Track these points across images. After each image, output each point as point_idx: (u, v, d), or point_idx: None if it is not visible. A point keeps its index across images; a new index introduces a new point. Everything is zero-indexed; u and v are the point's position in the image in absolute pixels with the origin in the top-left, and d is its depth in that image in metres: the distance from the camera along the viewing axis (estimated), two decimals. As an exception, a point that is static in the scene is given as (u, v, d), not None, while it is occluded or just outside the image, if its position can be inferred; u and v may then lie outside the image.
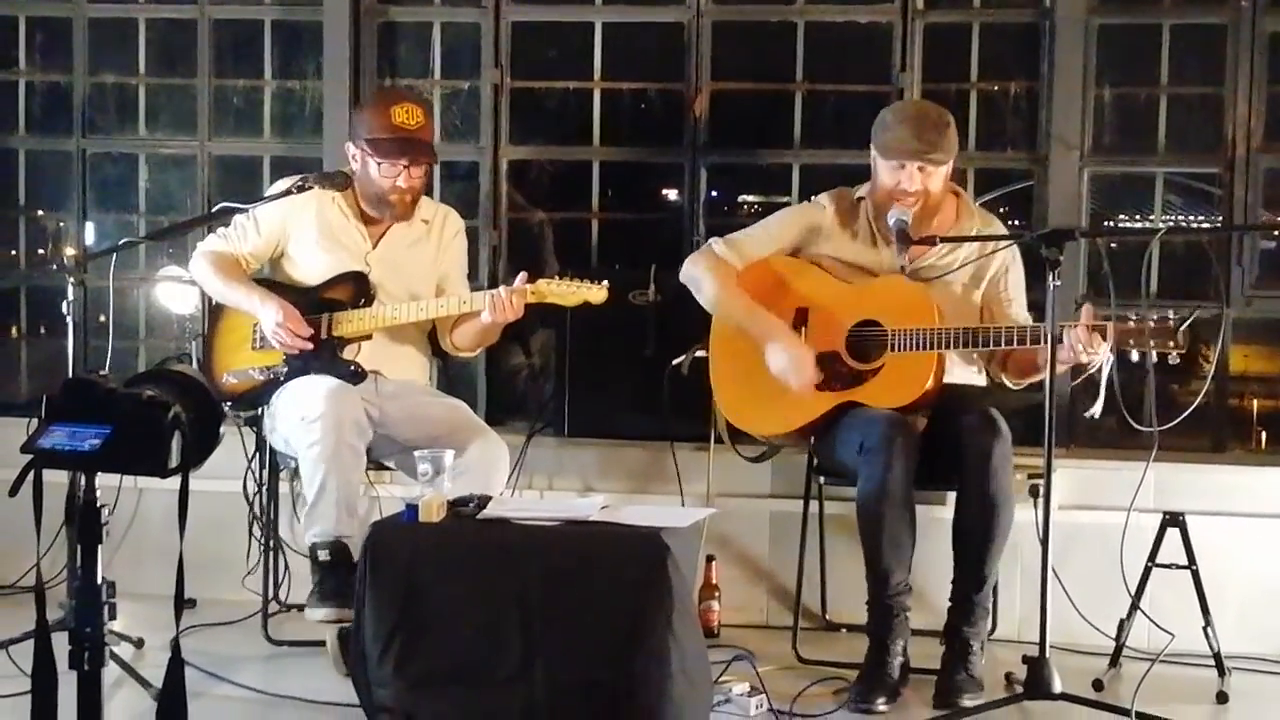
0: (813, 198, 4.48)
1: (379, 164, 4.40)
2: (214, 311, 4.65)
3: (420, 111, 4.42)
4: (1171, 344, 3.73)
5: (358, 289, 4.44)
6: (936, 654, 4.16)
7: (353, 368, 4.37)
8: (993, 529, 4.05)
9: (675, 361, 4.71)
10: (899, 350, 4.09)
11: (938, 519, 4.55)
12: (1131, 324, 3.78)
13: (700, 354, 4.57)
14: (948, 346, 4.06)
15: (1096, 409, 3.87)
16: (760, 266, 4.37)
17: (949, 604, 4.21)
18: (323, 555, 4.19)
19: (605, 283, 4.23)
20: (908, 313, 4.11)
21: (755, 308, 4.28)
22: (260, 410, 4.48)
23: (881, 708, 3.93)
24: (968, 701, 3.97)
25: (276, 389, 4.40)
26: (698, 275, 4.38)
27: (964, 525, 4.11)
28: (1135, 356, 3.79)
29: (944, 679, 4.10)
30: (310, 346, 4.37)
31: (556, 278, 4.25)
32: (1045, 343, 3.77)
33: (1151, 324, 3.75)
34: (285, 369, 4.41)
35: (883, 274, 4.27)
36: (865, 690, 3.96)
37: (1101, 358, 3.82)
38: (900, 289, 4.20)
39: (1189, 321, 3.72)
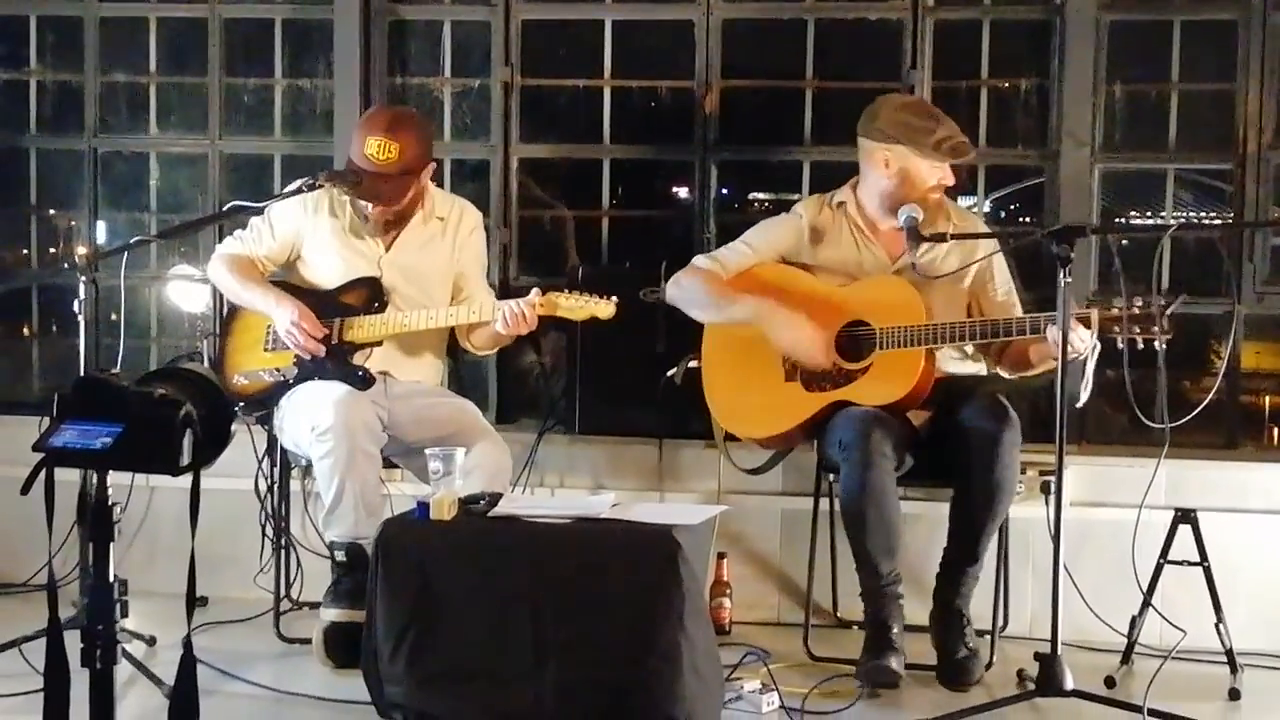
0: (793, 207, 4.54)
1: None
2: (229, 313, 4.65)
3: (395, 147, 4.31)
4: (1155, 329, 3.75)
5: (370, 294, 4.44)
6: (931, 649, 4.23)
7: (361, 373, 4.35)
8: (994, 511, 4.11)
9: (669, 373, 4.73)
10: (887, 348, 4.13)
11: (944, 515, 4.55)
12: (1114, 311, 3.80)
13: (693, 364, 4.61)
14: (935, 342, 4.10)
15: (1083, 396, 3.88)
16: (747, 276, 4.42)
17: (939, 577, 4.26)
18: (339, 556, 4.22)
19: (614, 298, 4.23)
20: (895, 311, 4.15)
21: (742, 296, 4.33)
22: (270, 410, 4.48)
23: (893, 665, 3.96)
24: (976, 677, 4.12)
25: (285, 391, 4.40)
26: (684, 287, 4.44)
27: (964, 506, 4.15)
28: (1121, 344, 3.80)
29: (947, 657, 4.17)
30: (323, 349, 4.37)
31: (566, 291, 4.25)
32: (1035, 332, 3.86)
33: (1136, 310, 3.77)
34: (295, 371, 4.41)
35: (868, 275, 4.32)
36: (875, 653, 4.00)
37: (1086, 347, 3.84)
38: (887, 288, 4.25)
39: (1173, 307, 3.73)
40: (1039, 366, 4.19)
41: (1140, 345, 3.77)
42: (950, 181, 4.29)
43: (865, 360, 4.19)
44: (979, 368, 4.41)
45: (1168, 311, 3.73)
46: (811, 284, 4.36)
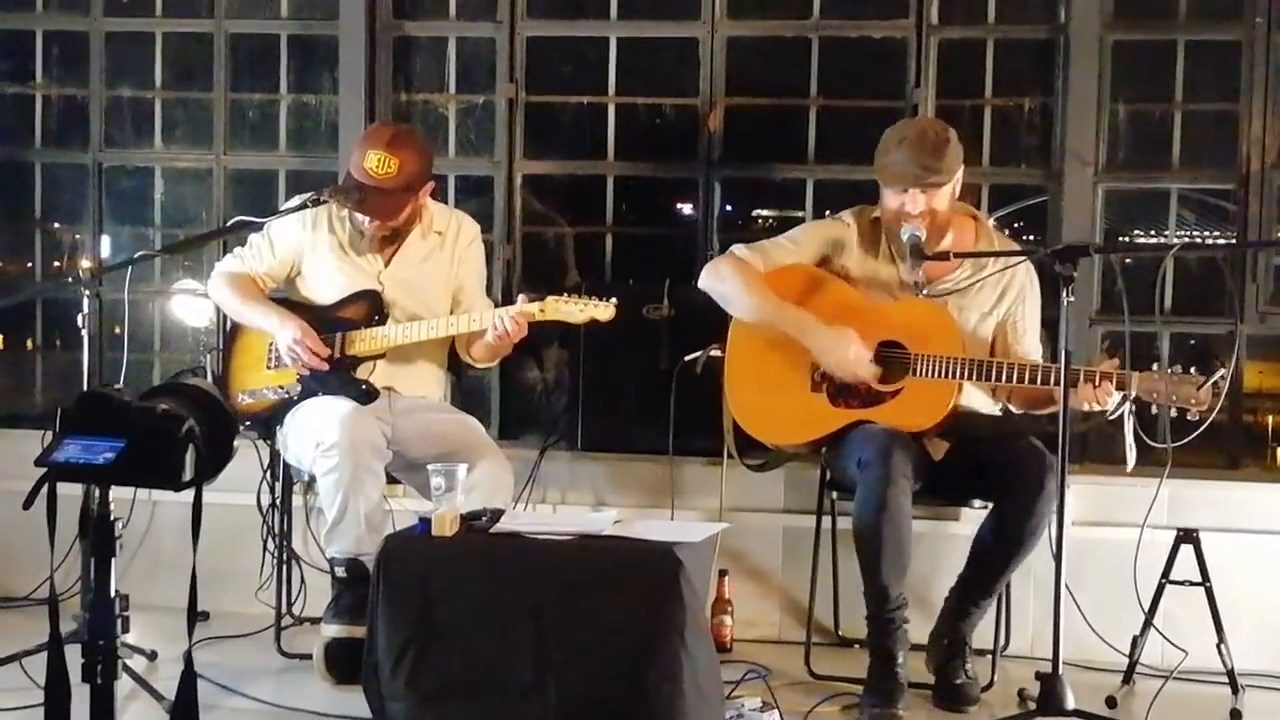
0: (839, 213, 4.46)
1: None
2: (230, 332, 4.65)
3: (395, 162, 4.30)
4: (1193, 401, 3.75)
5: (371, 308, 4.44)
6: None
7: (365, 387, 4.36)
8: (1024, 557, 4.08)
9: (688, 358, 4.67)
10: (920, 375, 4.08)
11: (951, 534, 4.56)
12: (1155, 377, 3.80)
13: (715, 353, 4.55)
14: (969, 378, 4.05)
15: (1130, 460, 3.88)
16: (785, 274, 4.33)
17: (947, 603, 4.25)
18: (339, 571, 4.22)
19: (613, 300, 4.21)
20: (933, 338, 4.10)
21: (786, 305, 4.24)
22: (274, 428, 4.49)
23: (902, 711, 3.93)
24: (974, 700, 4.11)
25: (290, 408, 4.41)
26: (721, 278, 4.33)
27: (992, 544, 4.11)
28: (1155, 410, 3.81)
29: (945, 681, 4.16)
30: (326, 366, 4.37)
31: (565, 295, 4.24)
32: (1062, 375, 3.75)
33: (1174, 379, 3.78)
34: (299, 388, 4.41)
35: (903, 293, 4.27)
36: (882, 695, 3.95)
37: (1111, 406, 3.85)
38: (927, 313, 4.19)
39: (1213, 380, 3.74)
40: (1048, 406, 4.10)
41: (1174, 414, 3.80)
42: (913, 209, 4.14)
43: (897, 384, 4.13)
44: (989, 398, 4.36)
45: (1207, 384, 3.74)
46: (847, 294, 4.29)
